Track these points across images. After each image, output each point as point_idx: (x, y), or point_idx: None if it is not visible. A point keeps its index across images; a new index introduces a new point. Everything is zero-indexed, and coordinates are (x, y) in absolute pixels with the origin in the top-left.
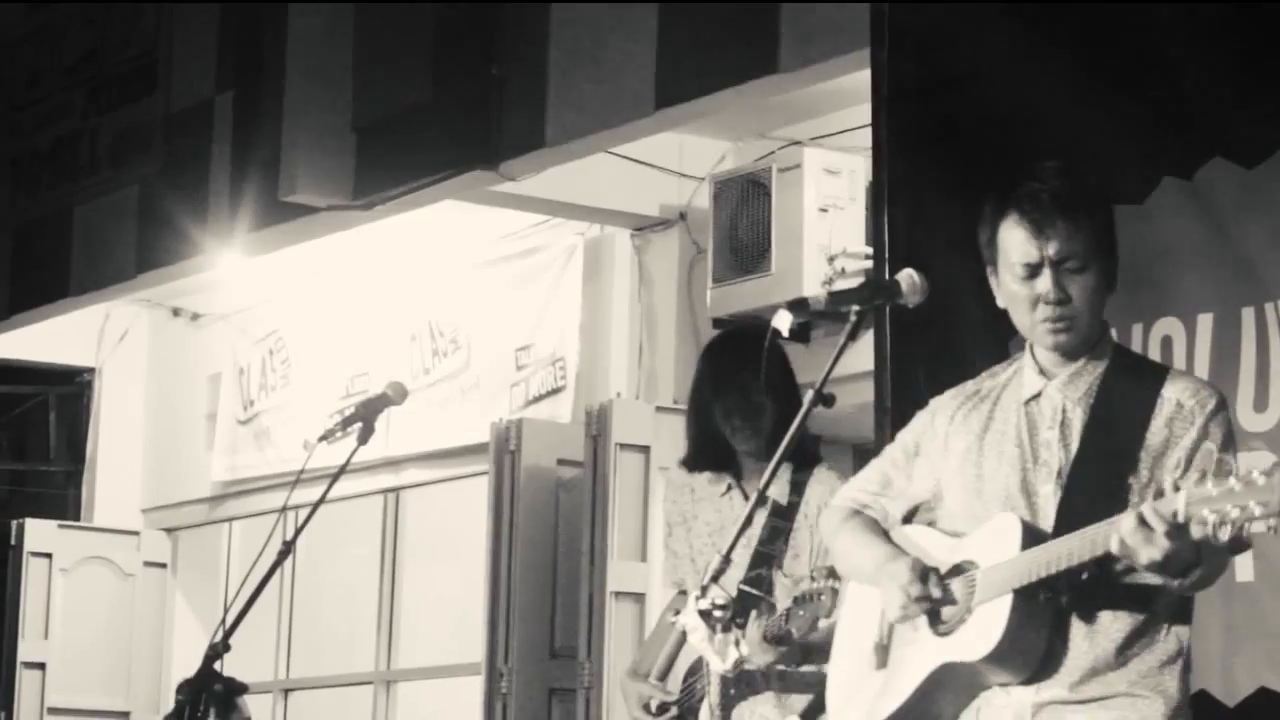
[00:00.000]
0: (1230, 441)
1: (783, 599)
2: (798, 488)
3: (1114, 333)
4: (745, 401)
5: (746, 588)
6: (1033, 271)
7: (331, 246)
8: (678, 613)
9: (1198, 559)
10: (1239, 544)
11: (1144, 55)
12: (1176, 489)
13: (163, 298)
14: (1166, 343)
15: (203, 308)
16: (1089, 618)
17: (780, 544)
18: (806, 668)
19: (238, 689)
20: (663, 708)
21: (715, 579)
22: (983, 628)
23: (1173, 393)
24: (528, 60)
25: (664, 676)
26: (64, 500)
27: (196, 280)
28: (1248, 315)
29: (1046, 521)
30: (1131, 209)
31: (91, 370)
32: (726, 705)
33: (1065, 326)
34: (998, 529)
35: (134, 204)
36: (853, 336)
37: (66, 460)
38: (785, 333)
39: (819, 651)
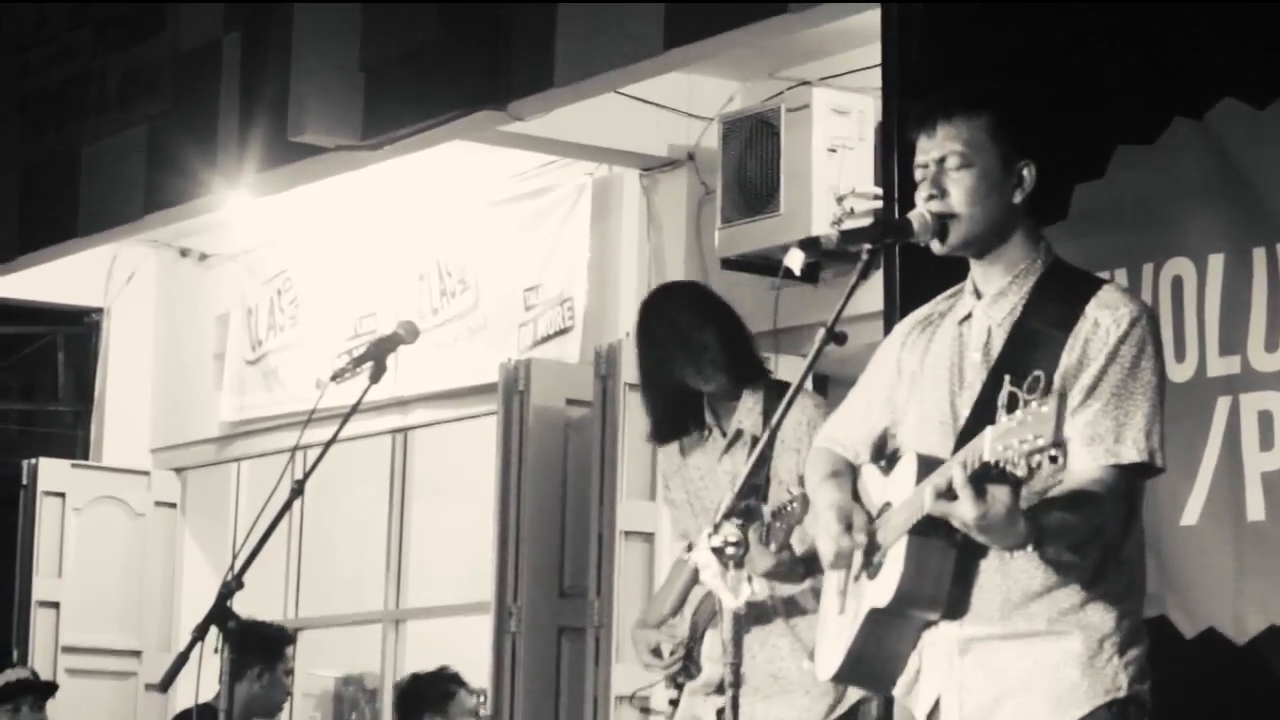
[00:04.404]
0: (1139, 362)
1: None
2: (769, 417)
3: (1049, 246)
4: (687, 349)
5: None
6: (923, 177)
7: (340, 187)
8: (689, 549)
9: (1030, 537)
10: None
11: None
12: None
13: (171, 238)
14: (1177, 283)
15: (210, 248)
16: (987, 556)
17: (764, 474)
18: (808, 582)
19: (287, 639)
20: (672, 651)
21: (728, 516)
22: (887, 574)
23: (1094, 309)
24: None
25: (676, 614)
26: (73, 440)
27: (204, 220)
28: (1259, 255)
29: None
30: (1142, 149)
31: (99, 310)
32: (738, 639)
33: (940, 227)
34: (904, 466)
35: (142, 144)
36: (864, 275)
37: (75, 400)
38: (797, 271)
39: (815, 562)
